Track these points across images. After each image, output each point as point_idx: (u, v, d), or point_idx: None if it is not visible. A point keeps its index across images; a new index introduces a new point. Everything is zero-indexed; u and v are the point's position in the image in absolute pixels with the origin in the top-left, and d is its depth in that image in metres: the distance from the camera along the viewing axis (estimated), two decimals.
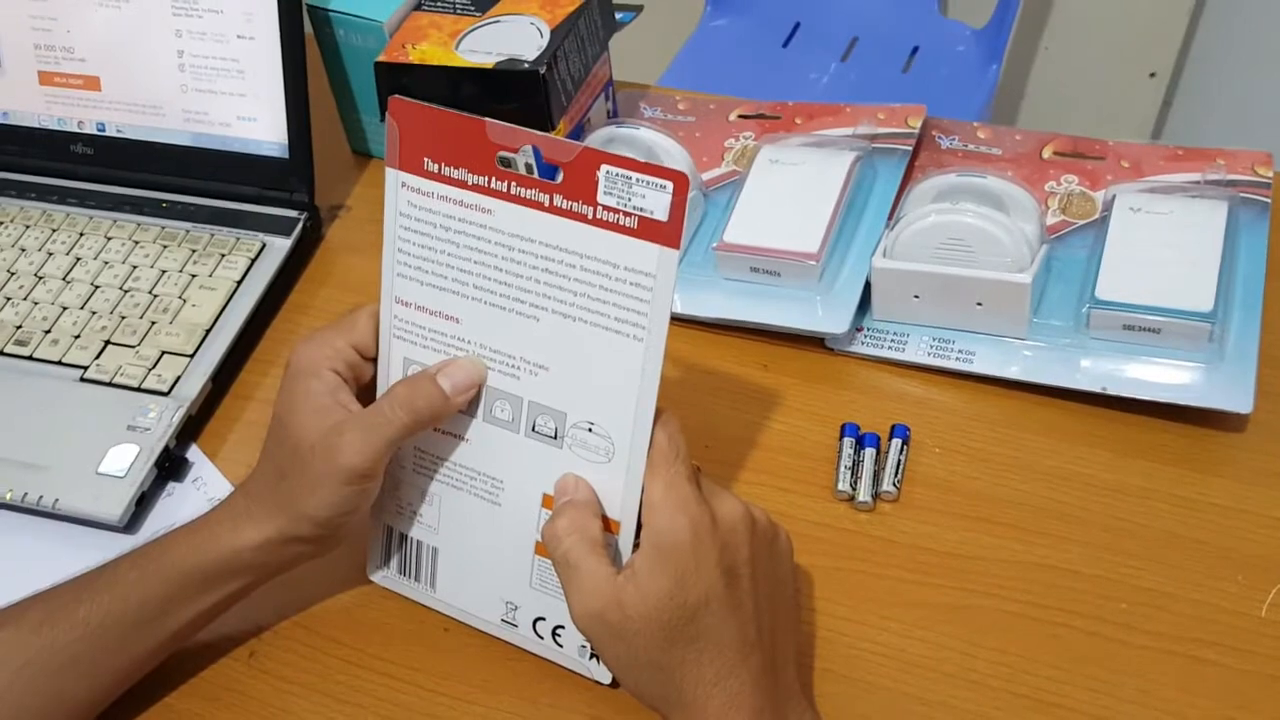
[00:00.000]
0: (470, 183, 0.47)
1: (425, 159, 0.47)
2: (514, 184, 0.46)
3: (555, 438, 0.48)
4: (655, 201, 0.43)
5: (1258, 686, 0.50)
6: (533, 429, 0.49)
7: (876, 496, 0.58)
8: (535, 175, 0.45)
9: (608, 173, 0.44)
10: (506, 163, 0.46)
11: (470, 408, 0.50)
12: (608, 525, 0.48)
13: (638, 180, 0.43)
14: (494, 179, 0.46)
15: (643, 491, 0.46)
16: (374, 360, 0.52)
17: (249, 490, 0.51)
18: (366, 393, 0.52)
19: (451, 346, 0.50)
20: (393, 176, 0.49)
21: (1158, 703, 0.50)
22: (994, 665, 0.52)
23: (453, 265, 0.48)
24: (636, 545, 0.47)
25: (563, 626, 0.51)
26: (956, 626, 0.53)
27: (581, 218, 0.45)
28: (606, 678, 0.51)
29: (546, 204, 0.45)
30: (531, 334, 0.47)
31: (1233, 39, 1.52)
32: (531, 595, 0.51)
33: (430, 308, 0.49)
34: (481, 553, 0.52)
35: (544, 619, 0.51)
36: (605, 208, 0.44)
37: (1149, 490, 0.57)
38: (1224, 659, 0.51)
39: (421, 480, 0.52)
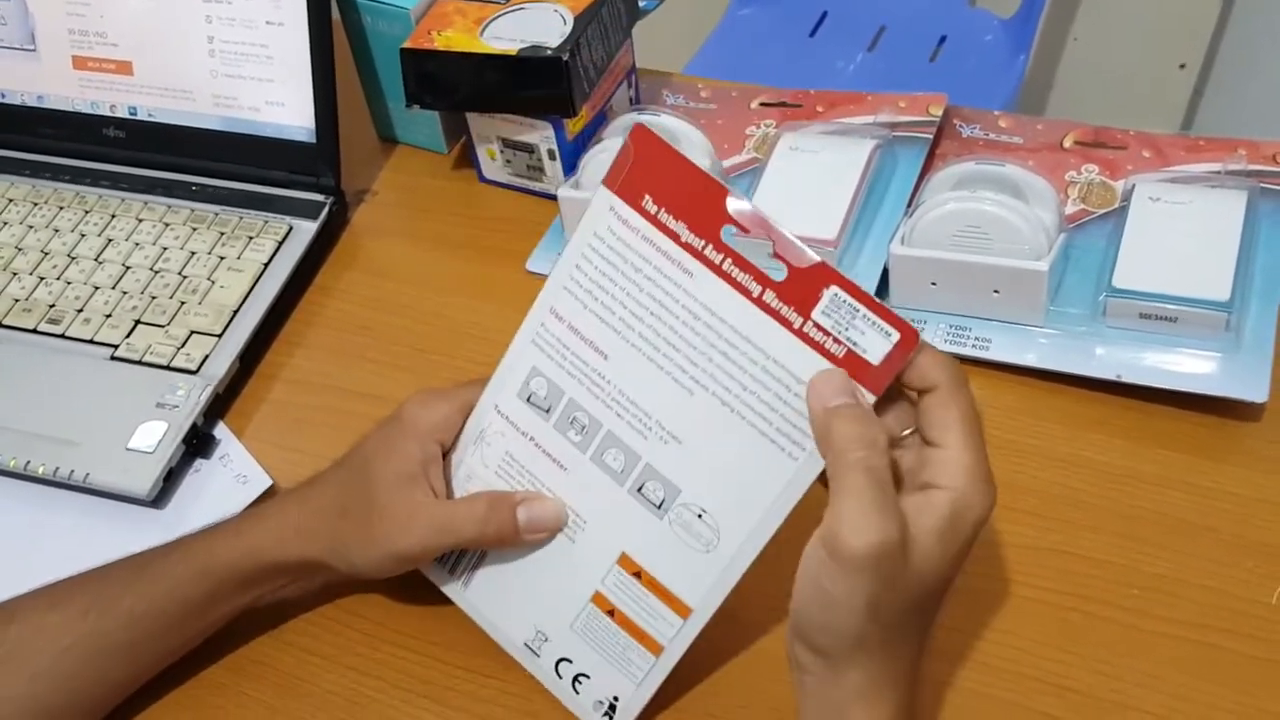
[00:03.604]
0: (684, 239, 0.44)
1: (647, 196, 0.45)
2: (730, 261, 0.44)
3: (659, 508, 0.47)
4: (873, 343, 0.41)
5: (1268, 672, 0.50)
6: (639, 490, 0.47)
7: None
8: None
9: (835, 295, 0.41)
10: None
11: (581, 443, 0.48)
12: (676, 606, 0.47)
13: (864, 316, 0.41)
14: (711, 247, 0.44)
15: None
16: None
17: (305, 506, 0.52)
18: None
19: (587, 379, 0.48)
20: (605, 196, 0.46)
21: (1167, 687, 0.50)
22: (1004, 648, 0.52)
23: (626, 305, 0.46)
24: None
25: (587, 676, 0.50)
26: (967, 610, 0.53)
27: (787, 323, 0.43)
28: None
29: (756, 295, 0.43)
30: (679, 403, 0.46)
31: (1264, 30, 1.50)
32: (568, 636, 0.50)
33: (584, 333, 0.48)
34: (533, 577, 0.51)
35: (570, 661, 0.51)
36: (817, 325, 0.42)
37: (1163, 478, 0.57)
38: (1234, 645, 0.51)
39: (499, 484, 0.51)
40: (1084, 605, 0.53)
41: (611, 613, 0.49)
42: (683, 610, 0.47)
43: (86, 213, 0.76)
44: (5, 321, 0.70)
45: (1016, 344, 0.62)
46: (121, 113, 0.78)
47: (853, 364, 0.42)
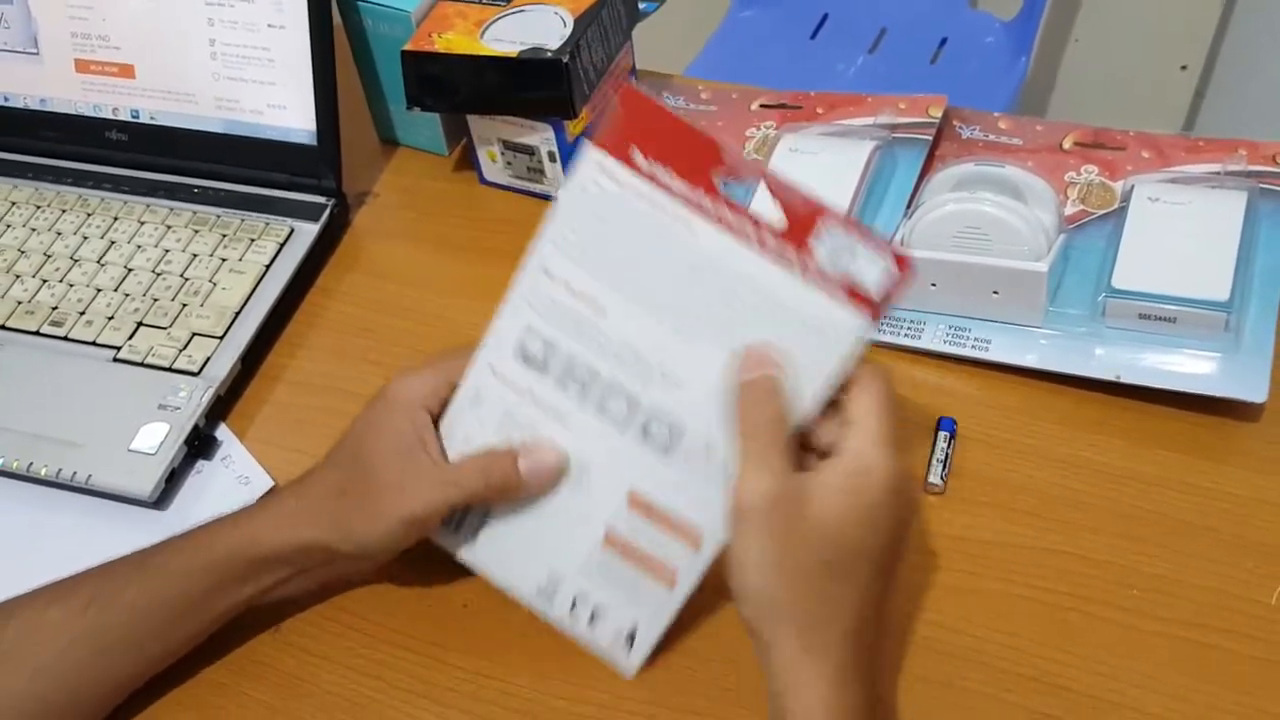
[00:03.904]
0: (678, 192, 0.45)
1: (635, 149, 0.45)
2: (728, 210, 0.44)
3: (664, 447, 0.48)
4: (871, 274, 0.43)
5: (1267, 672, 0.50)
6: (644, 433, 0.48)
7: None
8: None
9: (834, 233, 0.43)
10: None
11: (581, 396, 0.49)
12: (686, 536, 0.48)
13: (861, 250, 0.43)
14: (707, 198, 0.45)
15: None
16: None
17: (302, 493, 0.52)
18: None
19: (585, 335, 0.48)
20: (592, 154, 0.47)
21: (1167, 688, 0.50)
22: (1004, 648, 0.52)
23: (621, 260, 0.47)
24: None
25: (602, 613, 0.51)
26: (968, 610, 0.53)
27: (786, 263, 0.44)
28: (633, 671, 0.52)
29: (753, 239, 0.44)
30: (682, 351, 0.46)
31: (1266, 32, 1.50)
32: (580, 577, 0.51)
33: (578, 289, 0.48)
34: (541, 527, 0.51)
35: (584, 601, 0.51)
36: (817, 265, 0.43)
37: (1162, 478, 0.57)
38: (1234, 645, 0.51)
39: (500, 443, 0.51)
40: (1083, 605, 0.53)
41: (623, 551, 0.50)
42: (695, 541, 0.48)
43: (89, 215, 0.76)
44: (8, 324, 0.70)
45: (1016, 345, 0.63)
46: (124, 115, 0.79)
47: (852, 297, 0.43)
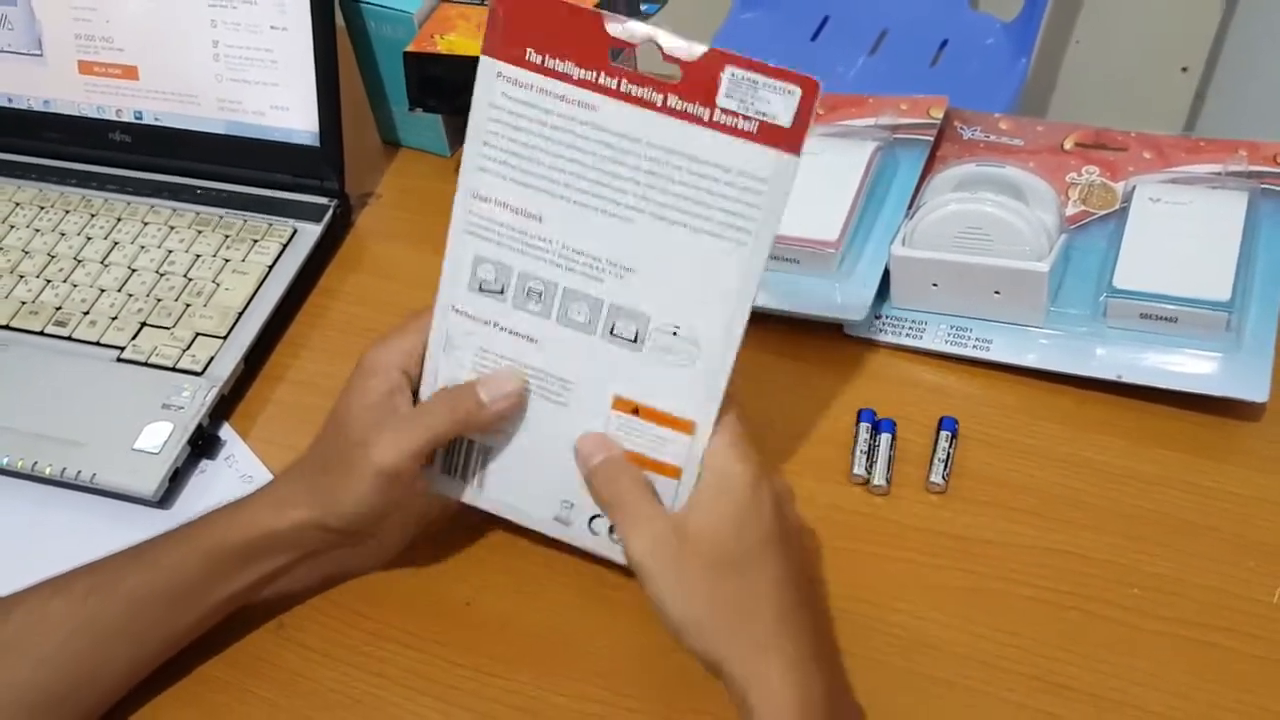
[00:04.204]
0: (576, 77, 0.45)
1: (528, 49, 0.45)
2: (625, 81, 0.44)
3: (635, 341, 0.48)
4: (780, 106, 0.42)
5: (1268, 671, 0.51)
6: (611, 332, 0.48)
7: (890, 481, 0.59)
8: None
9: (732, 75, 0.43)
10: (616, 55, 0.45)
11: (543, 310, 0.49)
12: (680, 426, 0.48)
13: (764, 84, 0.42)
14: (604, 74, 0.44)
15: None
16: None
17: (291, 475, 0.52)
18: None
19: (531, 245, 0.48)
20: (488, 65, 0.46)
21: (1168, 686, 0.50)
22: (1005, 647, 0.52)
23: (543, 162, 0.47)
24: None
25: None
26: (969, 609, 0.54)
27: (697, 120, 0.44)
28: None
29: (659, 104, 0.44)
30: (622, 236, 0.47)
31: (1266, 33, 1.50)
32: (590, 495, 0.51)
33: (513, 204, 0.48)
34: (541, 453, 0.51)
35: (600, 516, 0.51)
36: (724, 110, 0.43)
37: (1163, 477, 0.57)
38: (1235, 644, 0.51)
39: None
40: (1085, 604, 0.53)
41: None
42: (687, 428, 0.48)
43: (92, 216, 0.76)
44: (12, 324, 0.70)
45: (1017, 345, 0.63)
46: (127, 117, 0.79)
47: (768, 134, 0.43)
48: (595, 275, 0.48)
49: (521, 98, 0.46)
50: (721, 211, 0.45)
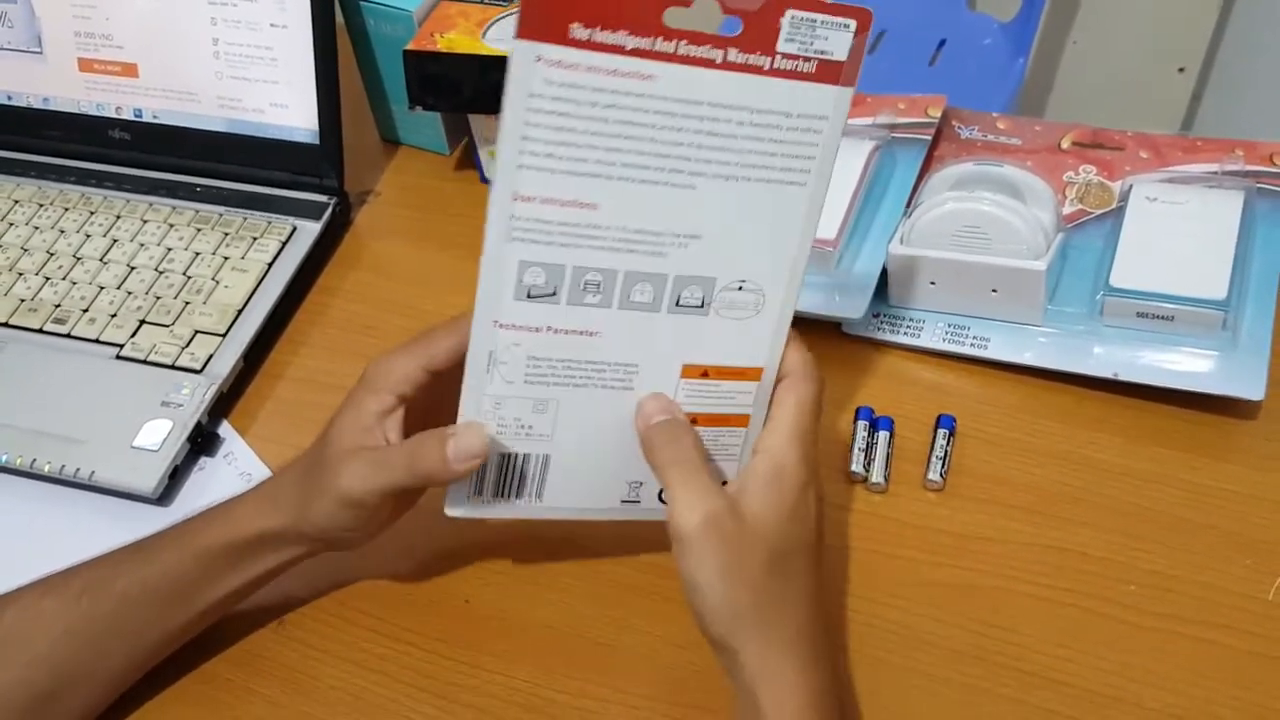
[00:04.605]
0: (630, 47, 0.42)
1: (573, 25, 0.41)
2: (683, 42, 0.42)
3: (701, 306, 0.47)
4: (837, 42, 0.42)
5: (1263, 667, 0.51)
6: (677, 303, 0.47)
7: (888, 479, 0.59)
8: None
9: (793, 18, 0.42)
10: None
11: (603, 300, 0.47)
12: (748, 375, 0.48)
13: (823, 22, 0.42)
14: (660, 39, 0.42)
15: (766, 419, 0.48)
16: (444, 372, 0.51)
17: (281, 477, 0.52)
18: (435, 409, 0.51)
19: (584, 237, 0.45)
20: (524, 51, 0.41)
21: (1164, 682, 0.51)
22: (1002, 644, 0.52)
23: (596, 146, 0.44)
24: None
25: None
26: (966, 606, 0.54)
27: (757, 70, 0.43)
28: None
29: (720, 60, 0.43)
30: (683, 205, 0.45)
31: (1263, 34, 1.51)
32: None
33: (561, 199, 0.45)
34: (605, 442, 0.50)
35: None
36: (785, 55, 0.43)
37: (1159, 475, 0.58)
38: (1231, 641, 0.52)
39: (535, 390, 0.49)
40: (1081, 601, 0.54)
41: (694, 420, 0.49)
42: (755, 375, 0.48)
43: (92, 214, 0.76)
44: (11, 321, 0.70)
45: (1015, 343, 0.63)
46: (127, 114, 0.79)
47: (826, 71, 0.43)
48: (658, 251, 0.46)
49: (566, 80, 0.42)
50: (783, 157, 0.44)
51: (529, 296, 0.47)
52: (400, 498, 0.51)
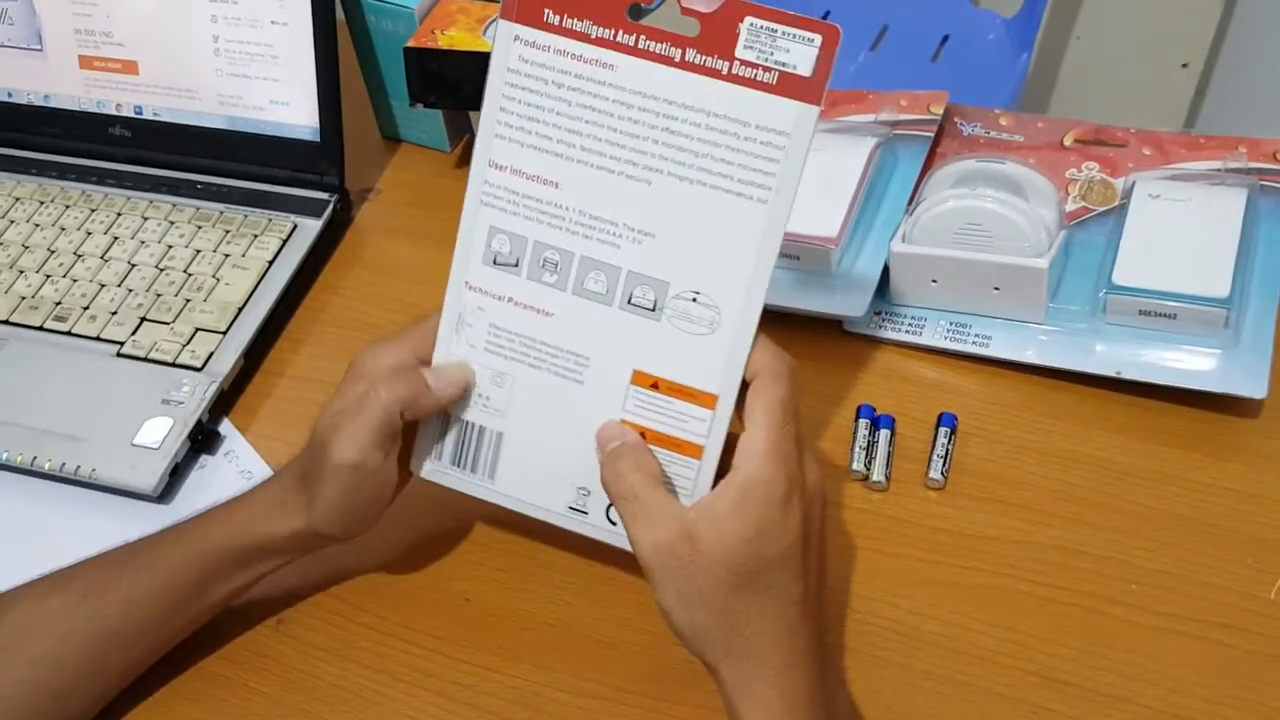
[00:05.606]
0: (594, 36, 0.45)
1: (546, 10, 0.45)
2: (643, 37, 0.44)
3: (653, 310, 0.47)
4: (800, 56, 0.42)
5: (1265, 667, 0.51)
6: (629, 301, 0.47)
7: (889, 477, 0.59)
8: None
9: (751, 25, 0.42)
10: (637, 15, 0.44)
11: (559, 281, 0.48)
12: (701, 400, 0.47)
13: (784, 33, 0.42)
14: (621, 32, 0.44)
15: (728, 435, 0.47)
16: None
17: (283, 480, 0.52)
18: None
19: (547, 213, 0.48)
20: (505, 30, 0.46)
21: (1166, 681, 0.51)
22: (1003, 643, 0.52)
23: (560, 126, 0.46)
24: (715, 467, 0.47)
25: None
26: (967, 604, 0.54)
27: (715, 73, 0.43)
28: None
29: (678, 59, 0.44)
30: (640, 198, 0.46)
31: (1266, 30, 1.50)
32: None
33: (528, 172, 0.47)
34: (556, 436, 0.50)
35: None
36: (743, 62, 0.43)
37: (1161, 474, 0.58)
38: (1232, 640, 0.52)
39: (494, 360, 0.50)
40: (1082, 600, 0.53)
41: (643, 435, 0.48)
42: (708, 401, 0.47)
43: (92, 211, 0.76)
44: (12, 319, 0.70)
45: (1016, 341, 0.63)
46: (127, 112, 0.79)
47: (788, 85, 0.43)
48: (613, 241, 0.47)
49: (538, 60, 0.46)
50: (741, 168, 0.44)
51: (495, 263, 0.49)
52: (399, 464, 0.51)
